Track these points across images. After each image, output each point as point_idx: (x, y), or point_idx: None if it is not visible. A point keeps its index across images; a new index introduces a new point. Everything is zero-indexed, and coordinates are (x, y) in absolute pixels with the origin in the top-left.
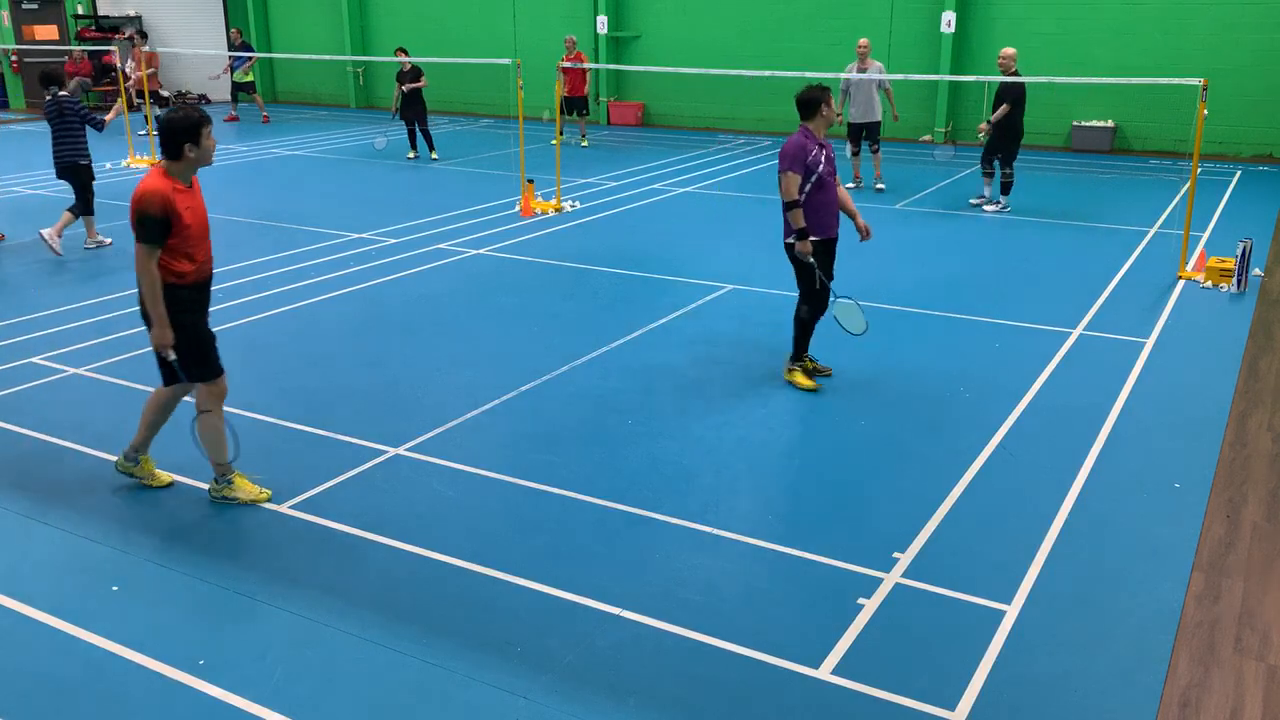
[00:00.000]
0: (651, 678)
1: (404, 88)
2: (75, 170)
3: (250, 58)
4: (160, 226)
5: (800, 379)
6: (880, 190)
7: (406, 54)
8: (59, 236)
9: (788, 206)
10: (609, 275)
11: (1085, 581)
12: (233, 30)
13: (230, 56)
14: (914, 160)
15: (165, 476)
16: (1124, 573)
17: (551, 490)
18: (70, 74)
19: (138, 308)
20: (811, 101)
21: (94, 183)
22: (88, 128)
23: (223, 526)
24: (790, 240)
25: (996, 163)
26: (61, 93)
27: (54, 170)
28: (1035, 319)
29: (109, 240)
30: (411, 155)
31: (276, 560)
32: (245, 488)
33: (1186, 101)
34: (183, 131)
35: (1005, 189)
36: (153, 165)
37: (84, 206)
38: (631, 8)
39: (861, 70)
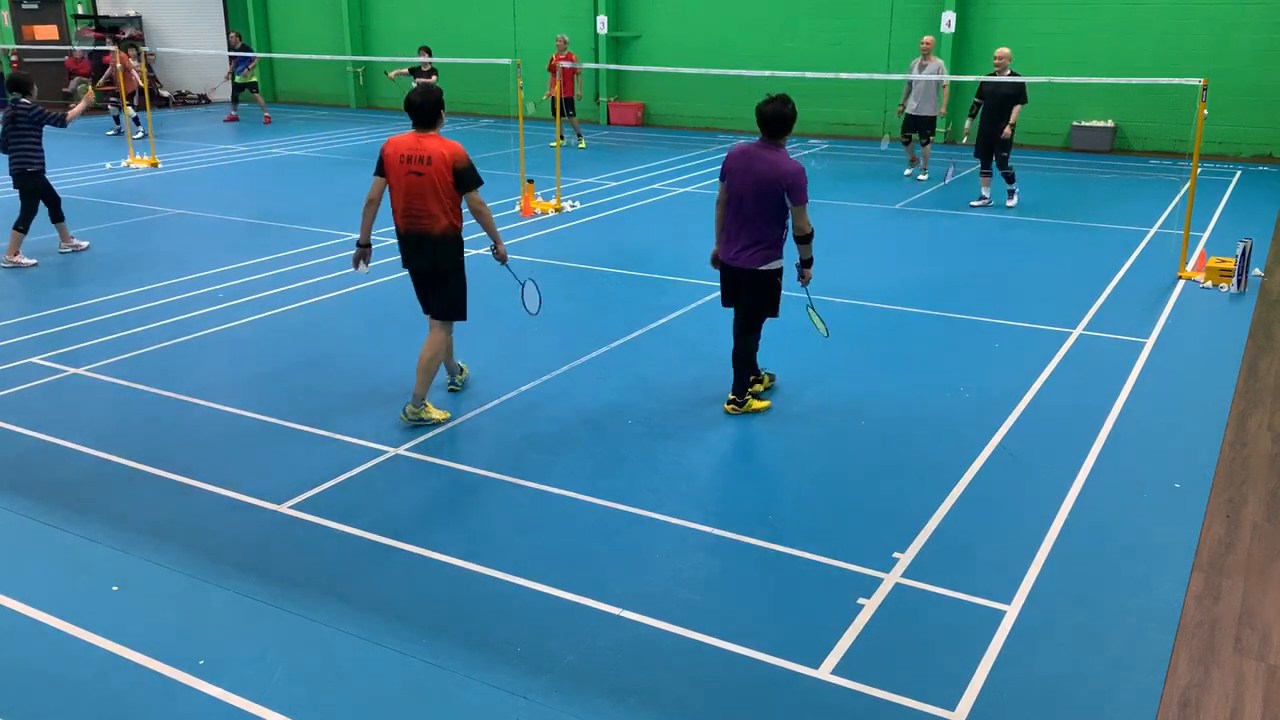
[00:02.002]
0: (651, 678)
1: (416, 81)
2: (22, 178)
3: (252, 60)
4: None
5: (760, 403)
6: (922, 180)
7: (430, 53)
8: (17, 255)
9: (807, 239)
10: (609, 275)
11: (1085, 581)
12: (232, 34)
13: (231, 59)
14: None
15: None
16: (1124, 573)
17: (551, 490)
18: (70, 73)
19: (431, 258)
20: (792, 117)
21: (48, 190)
22: (49, 127)
23: (223, 527)
24: (771, 268)
25: (994, 164)
26: (24, 100)
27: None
28: (1035, 319)
29: (85, 244)
30: None
31: (276, 560)
32: (434, 412)
33: (1186, 101)
34: (439, 103)
35: (1010, 179)
36: (420, 134)
37: (26, 220)
38: (631, 8)
39: (923, 66)
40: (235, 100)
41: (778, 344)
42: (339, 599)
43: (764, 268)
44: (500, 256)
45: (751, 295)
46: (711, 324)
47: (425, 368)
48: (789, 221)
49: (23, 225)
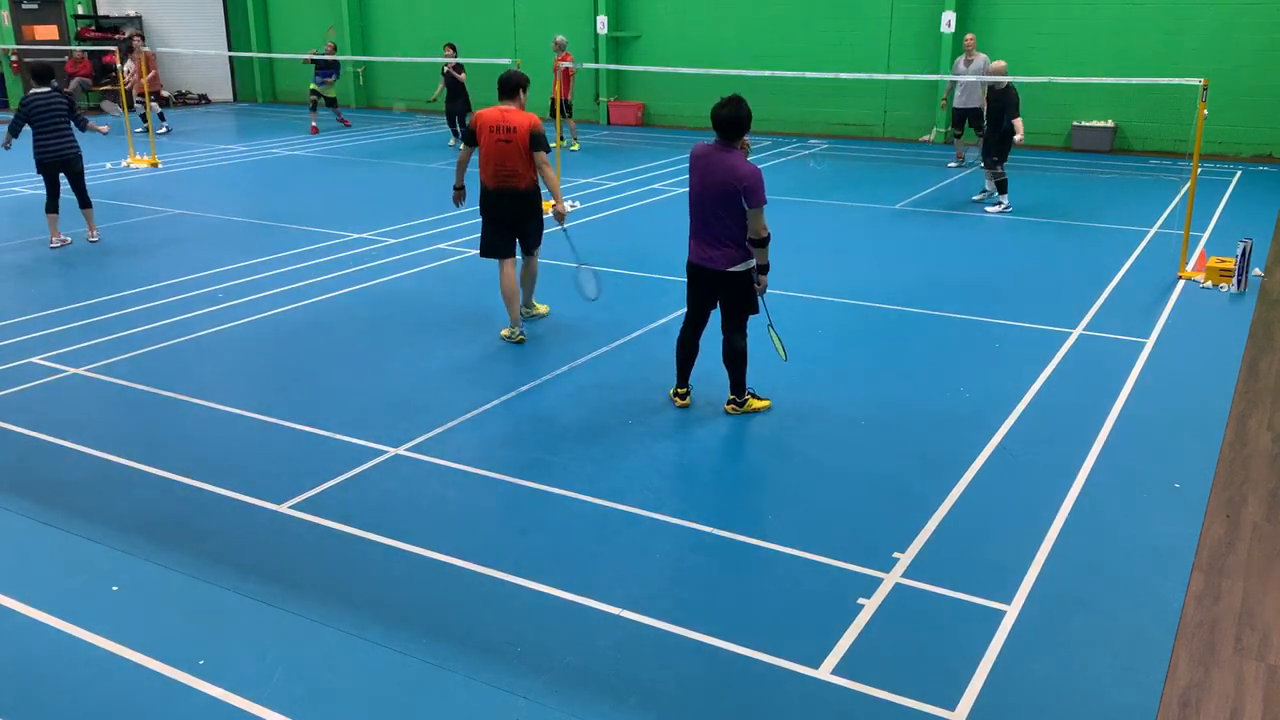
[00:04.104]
0: (651, 678)
1: (445, 74)
2: (78, 159)
3: (334, 73)
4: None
5: (760, 402)
6: (951, 167)
7: (454, 51)
8: (94, 231)
9: (763, 243)
10: (609, 275)
11: (1085, 581)
12: (329, 44)
13: (317, 66)
14: (914, 160)
15: (544, 307)
16: (1124, 573)
17: (551, 490)
18: (70, 74)
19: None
20: (748, 119)
21: (80, 177)
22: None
23: (222, 526)
24: (740, 270)
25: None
26: (45, 89)
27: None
28: (1035, 319)
29: (70, 240)
30: (452, 144)
31: (276, 560)
32: (539, 307)
33: (1186, 101)
34: (520, 85)
35: (1003, 187)
36: (504, 109)
37: (86, 198)
38: (631, 8)
39: (968, 63)
40: (314, 109)
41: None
42: (339, 599)
43: (732, 269)
44: (559, 214)
45: (726, 296)
46: (711, 324)
47: (526, 286)
48: None
49: (85, 202)
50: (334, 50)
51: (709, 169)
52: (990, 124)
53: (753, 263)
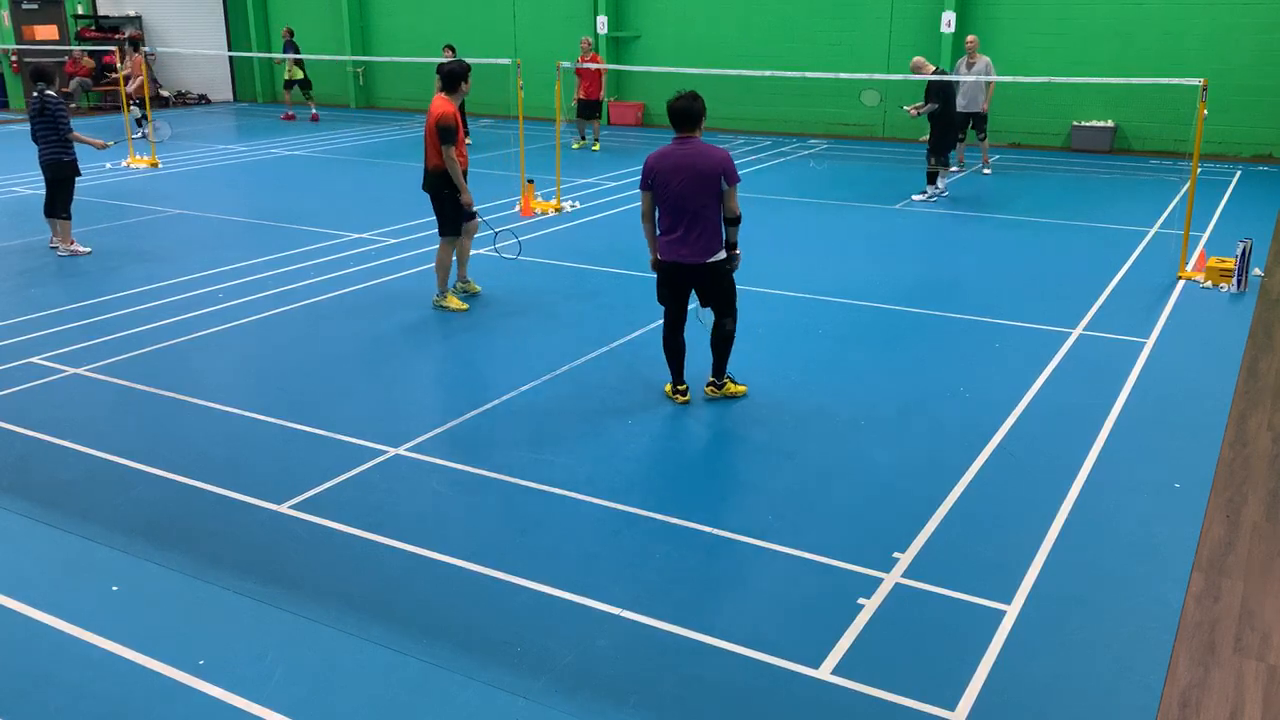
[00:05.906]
0: (651, 678)
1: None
2: (58, 167)
3: (291, 57)
4: (455, 130)
5: (738, 386)
6: (987, 174)
7: (454, 51)
8: (72, 243)
9: (738, 221)
10: (609, 275)
11: (1085, 581)
12: (284, 29)
13: (291, 58)
14: (914, 160)
15: (461, 305)
16: (1124, 573)
17: (551, 490)
18: (70, 74)
19: (438, 191)
20: (701, 111)
21: (71, 184)
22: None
23: (222, 527)
24: (720, 259)
25: (952, 154)
26: (49, 91)
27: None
28: (1035, 319)
29: (88, 249)
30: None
31: (276, 560)
32: (454, 303)
33: (1186, 101)
34: (460, 74)
35: (931, 179)
36: (436, 95)
37: (60, 207)
38: (631, 8)
39: (970, 65)
40: (290, 99)
41: (778, 345)
42: (339, 599)
43: (713, 260)
44: (465, 204)
45: (711, 287)
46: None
47: (435, 269)
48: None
49: (65, 212)
50: (289, 35)
51: (680, 166)
52: (941, 120)
53: (724, 251)
